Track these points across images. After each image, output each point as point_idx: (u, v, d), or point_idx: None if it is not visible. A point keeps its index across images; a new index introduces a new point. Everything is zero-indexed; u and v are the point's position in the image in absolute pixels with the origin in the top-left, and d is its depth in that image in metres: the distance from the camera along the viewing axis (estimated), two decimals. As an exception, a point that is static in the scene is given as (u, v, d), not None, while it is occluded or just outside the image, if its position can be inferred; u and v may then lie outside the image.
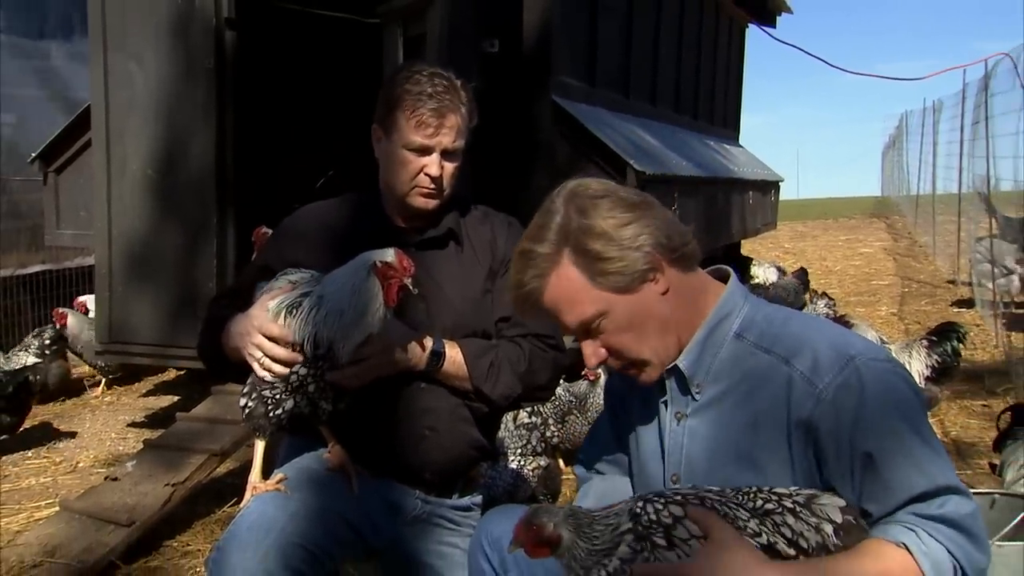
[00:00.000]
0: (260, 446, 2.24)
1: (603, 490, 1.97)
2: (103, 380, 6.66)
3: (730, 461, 1.68)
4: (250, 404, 2.19)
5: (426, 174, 2.29)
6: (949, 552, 1.49)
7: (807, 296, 7.88)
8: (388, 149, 2.33)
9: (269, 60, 6.25)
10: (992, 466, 3.78)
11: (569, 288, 1.69)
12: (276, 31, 6.44)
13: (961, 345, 5.03)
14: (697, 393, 1.73)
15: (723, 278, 1.81)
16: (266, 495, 2.20)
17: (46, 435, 5.68)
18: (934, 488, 1.52)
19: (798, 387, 1.60)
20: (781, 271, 9.71)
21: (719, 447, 1.69)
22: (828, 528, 1.53)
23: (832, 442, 1.57)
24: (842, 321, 5.04)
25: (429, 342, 2.28)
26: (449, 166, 2.32)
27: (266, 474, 2.25)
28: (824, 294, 7.43)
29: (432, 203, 2.35)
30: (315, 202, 2.57)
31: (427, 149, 2.28)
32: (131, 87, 4.91)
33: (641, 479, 1.87)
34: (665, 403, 1.79)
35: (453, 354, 2.30)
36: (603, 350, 1.73)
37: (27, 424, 5.83)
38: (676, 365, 1.74)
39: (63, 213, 6.38)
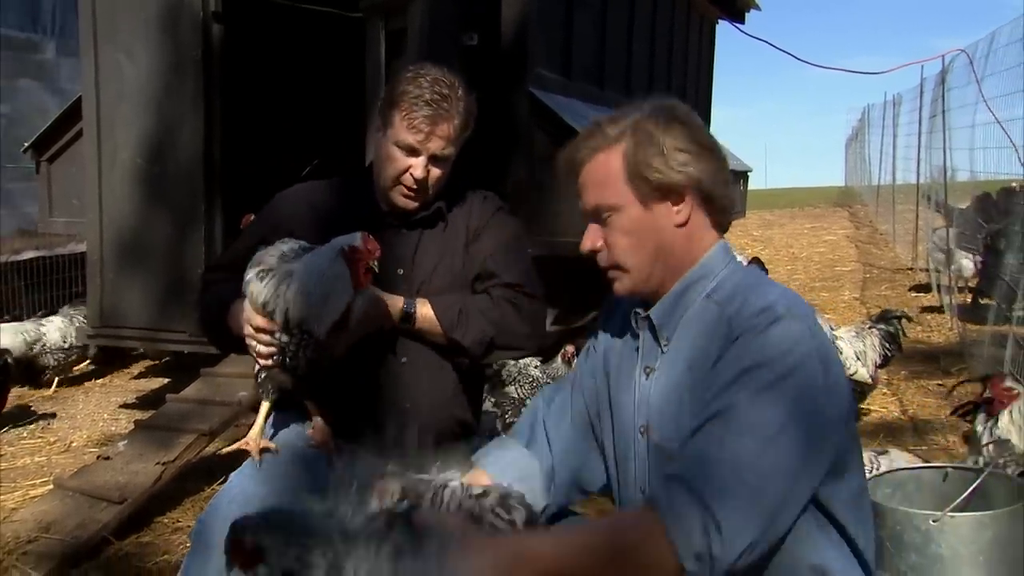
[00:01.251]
0: (265, 407, 2.23)
1: (508, 456, 1.96)
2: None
3: (676, 404, 1.69)
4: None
5: (411, 174, 2.27)
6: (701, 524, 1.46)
7: None
8: (381, 142, 2.32)
9: (256, 53, 6.20)
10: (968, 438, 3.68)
11: (605, 171, 1.73)
12: (262, 25, 6.39)
13: (902, 331, 5.11)
14: (665, 345, 1.74)
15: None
16: (247, 471, 2.21)
17: (40, 416, 5.64)
18: (733, 405, 1.52)
19: (721, 330, 1.63)
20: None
21: (680, 397, 1.69)
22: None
23: (713, 374, 1.60)
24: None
25: (400, 303, 2.28)
26: (435, 171, 2.30)
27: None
28: None
29: (412, 204, 2.34)
30: (307, 182, 2.56)
31: (415, 151, 2.26)
32: (121, 79, 4.87)
33: (620, 437, 1.85)
34: (638, 350, 1.79)
35: (424, 311, 2.30)
36: (600, 240, 1.77)
37: (25, 405, 5.83)
38: (648, 316, 1.76)
39: (56, 201, 6.33)
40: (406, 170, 2.27)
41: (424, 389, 2.36)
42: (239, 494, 2.14)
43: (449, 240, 2.42)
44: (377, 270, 2.12)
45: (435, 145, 2.26)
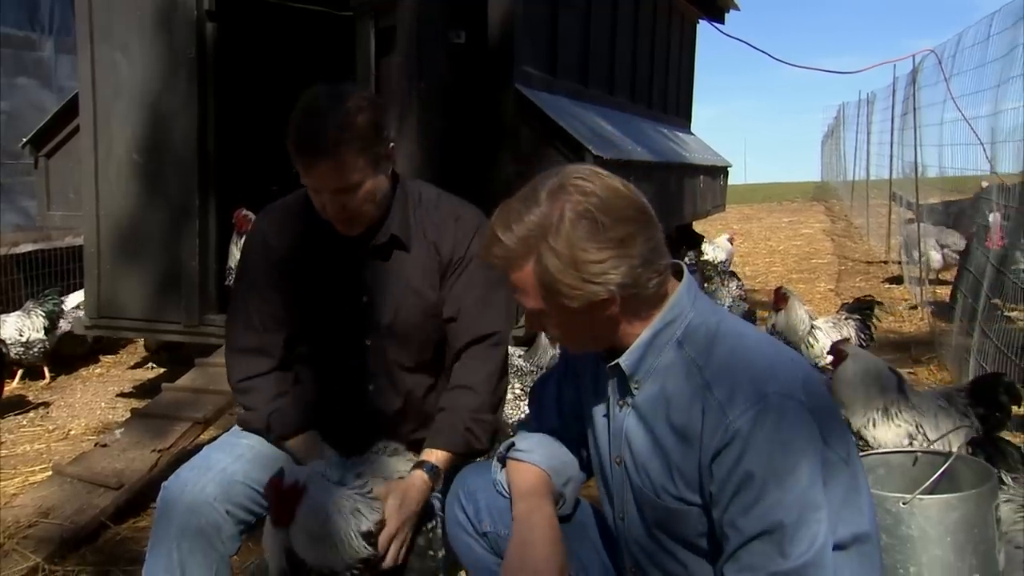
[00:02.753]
0: None
1: (559, 450, 1.92)
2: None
3: (655, 459, 1.64)
4: None
5: (325, 210, 2.13)
6: None
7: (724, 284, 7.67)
8: None
9: (248, 50, 6.15)
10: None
11: (523, 282, 1.60)
12: (255, 23, 6.35)
13: (876, 318, 5.20)
14: (636, 389, 1.67)
15: (676, 273, 1.71)
16: (215, 443, 2.23)
17: (40, 405, 5.63)
18: (782, 523, 1.47)
19: (712, 415, 1.54)
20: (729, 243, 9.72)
21: (649, 444, 1.65)
22: None
23: (723, 468, 1.52)
24: (779, 293, 5.11)
25: (422, 478, 2.11)
26: (352, 201, 2.10)
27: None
28: (733, 274, 7.46)
29: (352, 229, 2.18)
30: (279, 201, 2.41)
31: (316, 189, 2.10)
32: (117, 76, 4.84)
33: (594, 452, 1.83)
34: (608, 384, 1.74)
35: (439, 455, 2.17)
36: (539, 325, 1.69)
37: (25, 394, 5.81)
38: (618, 363, 1.67)
39: (53, 195, 6.27)
40: (322, 207, 2.13)
41: (392, 414, 2.30)
42: (201, 461, 2.15)
43: (416, 265, 2.26)
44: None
45: (328, 182, 2.06)
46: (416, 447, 2.31)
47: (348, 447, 2.32)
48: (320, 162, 2.03)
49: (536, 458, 1.85)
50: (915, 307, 7.96)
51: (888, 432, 3.34)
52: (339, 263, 2.26)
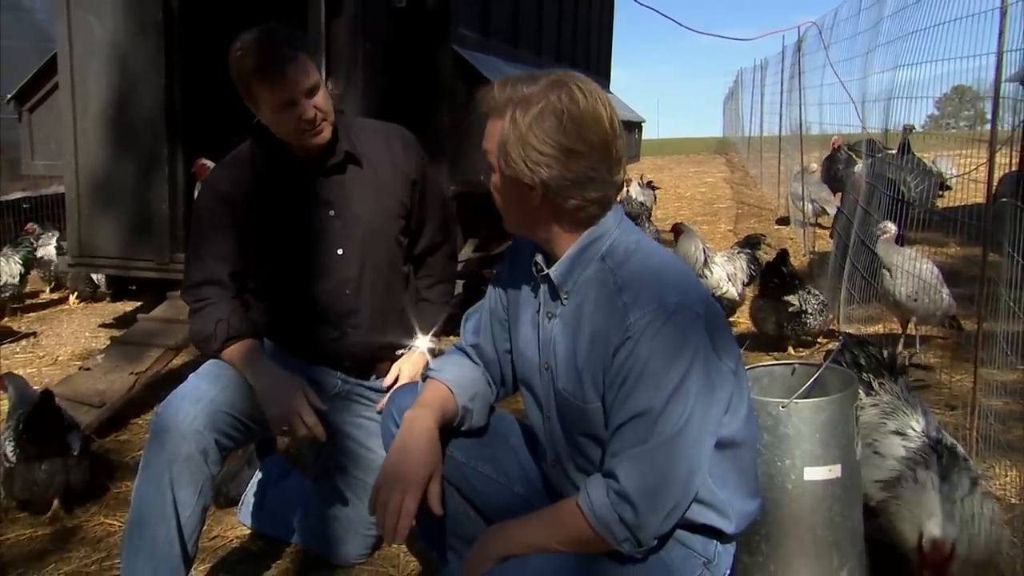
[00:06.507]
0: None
1: (468, 370, 1.87)
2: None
3: (573, 367, 1.61)
4: None
5: (303, 120, 2.11)
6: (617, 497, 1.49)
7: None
8: (266, 117, 2.15)
9: (211, 13, 5.88)
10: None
11: (490, 134, 1.59)
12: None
13: (764, 252, 5.28)
14: (565, 299, 1.63)
15: None
16: (203, 372, 2.15)
17: (31, 334, 5.49)
18: (651, 408, 1.47)
19: (617, 317, 1.52)
20: (650, 187, 9.73)
21: (570, 352, 1.62)
22: None
23: (616, 364, 1.51)
24: (676, 228, 5.09)
25: (421, 352, 2.38)
26: (318, 100, 2.12)
27: None
28: (650, 220, 7.62)
29: (323, 136, 2.18)
30: (225, 159, 2.35)
31: (292, 102, 2.09)
32: (91, 37, 4.59)
33: (521, 362, 1.79)
34: (538, 295, 1.69)
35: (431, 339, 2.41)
36: (490, 182, 1.65)
37: (15, 327, 5.64)
38: (548, 274, 1.64)
39: (37, 146, 6.01)
40: (298, 120, 2.11)
41: (364, 317, 2.28)
42: (191, 391, 2.08)
43: (374, 178, 2.28)
44: None
45: (302, 83, 2.09)
46: (385, 351, 2.38)
47: (327, 353, 2.30)
48: (289, 68, 2.06)
49: (444, 376, 1.81)
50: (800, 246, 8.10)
51: None
52: (300, 188, 2.23)
